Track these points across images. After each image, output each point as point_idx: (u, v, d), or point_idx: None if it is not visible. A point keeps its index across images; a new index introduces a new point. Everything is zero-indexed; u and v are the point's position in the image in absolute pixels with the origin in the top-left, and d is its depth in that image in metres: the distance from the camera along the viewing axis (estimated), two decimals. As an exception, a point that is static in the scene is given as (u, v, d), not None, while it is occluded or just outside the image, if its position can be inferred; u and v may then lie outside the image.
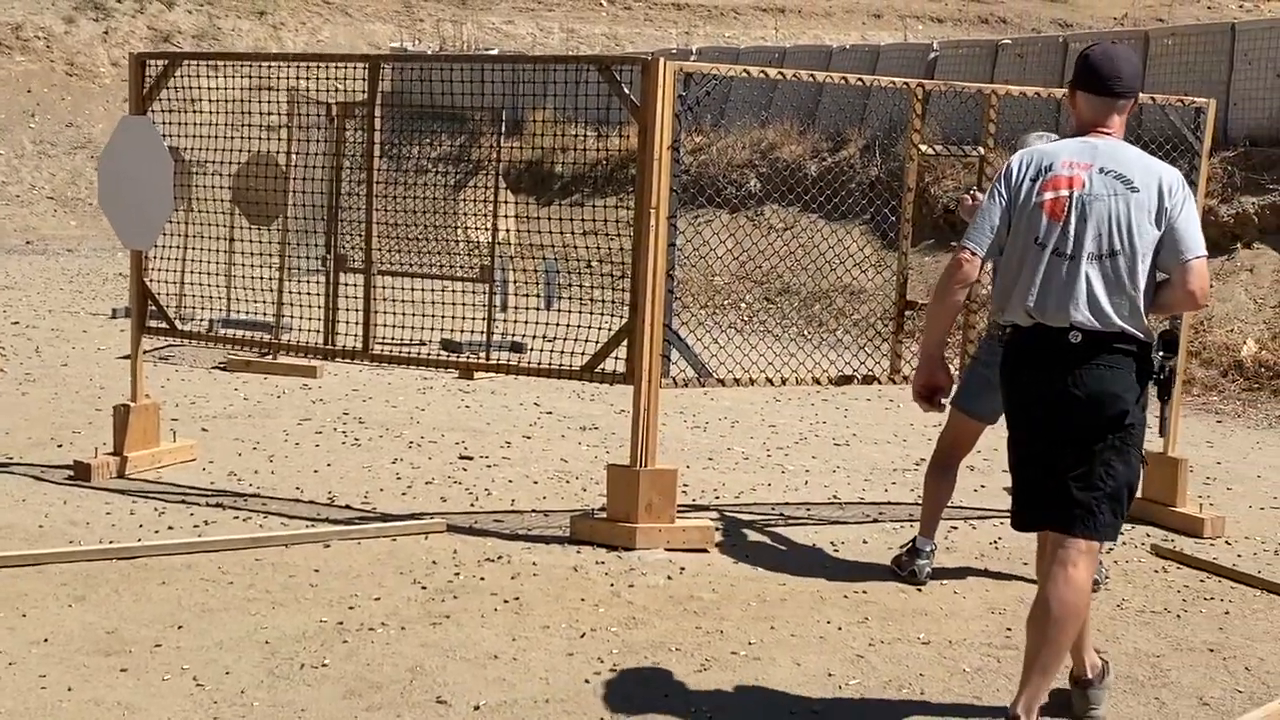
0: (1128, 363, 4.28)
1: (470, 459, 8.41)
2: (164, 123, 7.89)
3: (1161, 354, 4.36)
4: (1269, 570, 6.61)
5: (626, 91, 6.64)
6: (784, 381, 7.30)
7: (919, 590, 6.11)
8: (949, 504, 6.59)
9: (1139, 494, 7.62)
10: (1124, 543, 7.01)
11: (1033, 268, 4.32)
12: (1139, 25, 25.80)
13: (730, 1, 34.17)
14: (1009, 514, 4.66)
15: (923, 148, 7.44)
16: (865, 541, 6.92)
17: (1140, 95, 8.02)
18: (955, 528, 7.17)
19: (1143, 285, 4.28)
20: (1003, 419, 6.15)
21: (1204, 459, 9.16)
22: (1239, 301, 12.94)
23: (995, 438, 9.18)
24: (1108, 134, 4.46)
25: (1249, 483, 8.68)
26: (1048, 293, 4.29)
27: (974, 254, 4.41)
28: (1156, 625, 5.75)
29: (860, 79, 7.57)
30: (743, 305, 16.09)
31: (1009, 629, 5.60)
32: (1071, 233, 4.28)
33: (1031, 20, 32.89)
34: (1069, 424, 4.29)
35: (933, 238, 16.01)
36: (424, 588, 5.81)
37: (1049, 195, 4.32)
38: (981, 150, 7.47)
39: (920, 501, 6.53)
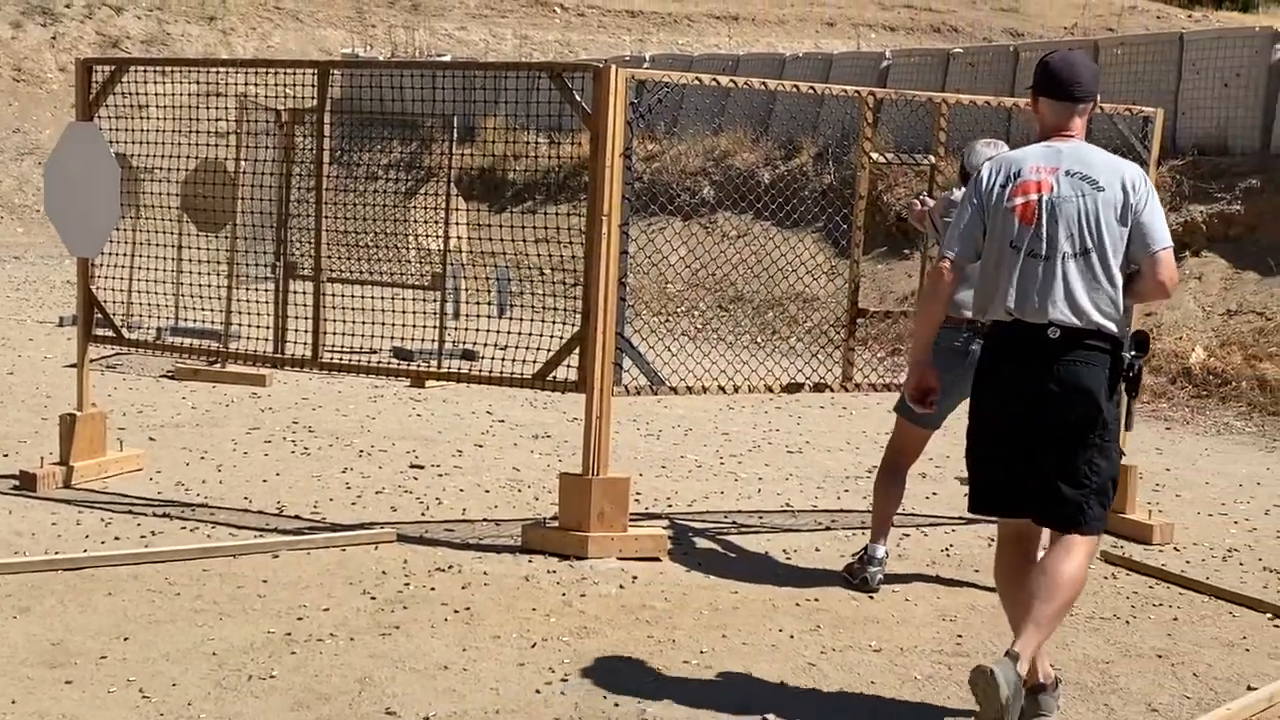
0: (1103, 359, 4.47)
1: (421, 468, 8.36)
2: (111, 129, 7.82)
3: (1134, 352, 4.54)
4: (1217, 577, 6.66)
5: (579, 99, 6.62)
6: (737, 389, 7.30)
7: (871, 598, 6.12)
8: (901, 511, 6.61)
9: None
10: (1074, 549, 7.04)
11: (1009, 269, 4.52)
12: (1089, 35, 25.98)
13: (684, 9, 34.20)
14: (967, 499, 4.80)
15: (874, 156, 7.46)
16: (818, 549, 6.92)
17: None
18: (907, 535, 7.18)
19: (1119, 280, 4.48)
20: (947, 424, 6.19)
21: (1153, 466, 9.22)
22: (1187, 309, 13.04)
23: (946, 445, 9.21)
24: (1070, 137, 4.65)
25: (1197, 489, 8.74)
26: (1026, 292, 4.49)
27: (953, 262, 4.65)
28: (1105, 631, 5.78)
29: (813, 87, 7.58)
30: (696, 313, 16.10)
31: (960, 636, 5.62)
32: (1044, 234, 4.48)
33: (983, 29, 33.07)
34: (1048, 418, 4.47)
35: (885, 245, 16.07)
36: (373, 598, 5.77)
37: (1019, 200, 4.53)
38: (933, 158, 7.50)
39: (871, 509, 6.54)
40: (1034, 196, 4.51)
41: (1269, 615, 6.07)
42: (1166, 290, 4.57)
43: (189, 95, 8.49)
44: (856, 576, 6.25)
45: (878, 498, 6.36)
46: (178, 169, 8.69)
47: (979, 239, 4.62)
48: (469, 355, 11.74)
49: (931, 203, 6.67)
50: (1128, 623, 5.92)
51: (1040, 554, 4.68)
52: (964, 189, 6.28)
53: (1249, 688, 5.10)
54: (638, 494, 7.54)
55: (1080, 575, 4.48)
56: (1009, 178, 4.57)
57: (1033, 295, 4.47)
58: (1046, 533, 4.71)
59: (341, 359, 7.81)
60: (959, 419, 7.03)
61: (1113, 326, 4.47)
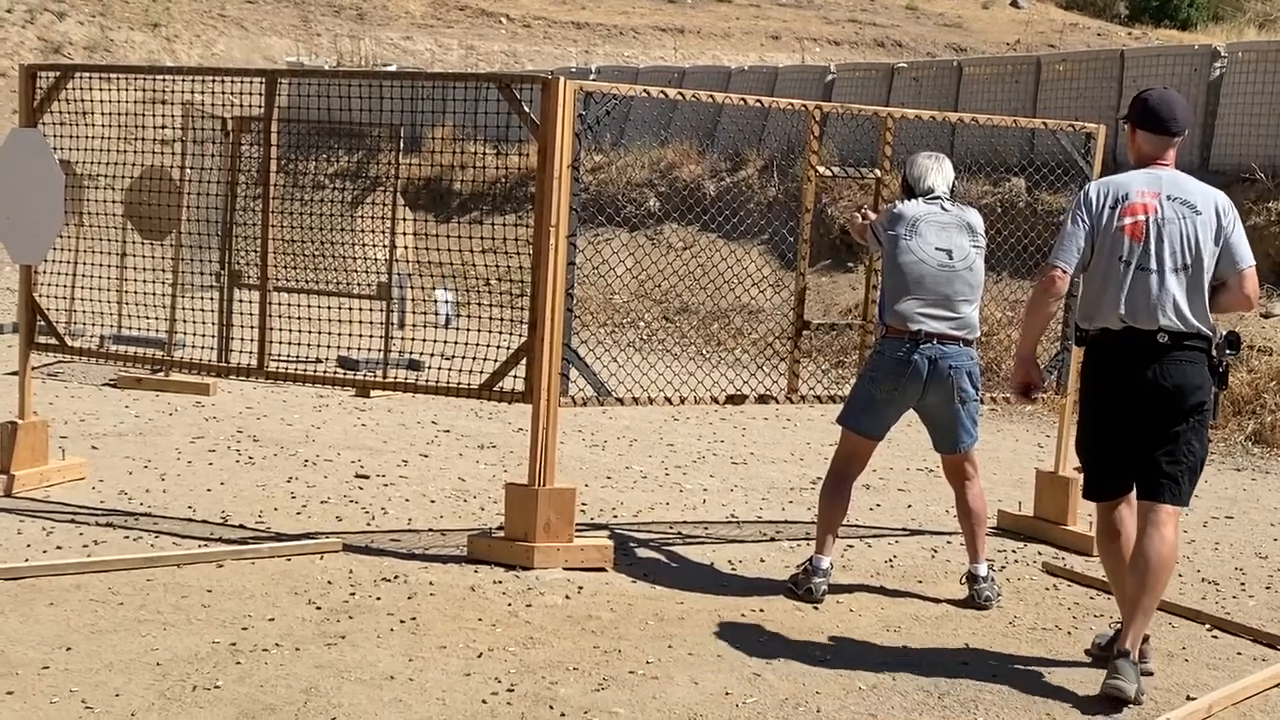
0: (1202, 358, 5.08)
1: (366, 478, 8.34)
2: (55, 135, 7.76)
3: (1229, 351, 5.14)
4: (1156, 587, 6.73)
5: (526, 110, 6.64)
6: (682, 400, 7.32)
7: (815, 608, 6.15)
8: (845, 522, 6.65)
9: (1031, 513, 7.77)
10: (1016, 561, 7.12)
11: (1119, 282, 5.10)
12: (1031, 51, 26.24)
13: (630, 21, 34.28)
14: (1083, 488, 5.44)
15: (820, 169, 7.50)
16: (762, 560, 6.95)
17: (1033, 120, 8.18)
18: (851, 546, 7.23)
19: (1207, 292, 5.10)
20: (891, 436, 6.24)
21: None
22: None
23: (890, 456, 9.28)
24: (1166, 165, 5.25)
25: (1137, 501, 8.82)
26: (1136, 301, 5.07)
27: (1065, 271, 5.20)
28: (1047, 641, 5.84)
29: (759, 100, 7.63)
30: (642, 324, 16.13)
31: (904, 646, 5.66)
32: (1152, 251, 5.08)
33: (926, 44, 33.34)
34: (1157, 409, 5.06)
35: (830, 258, 16.15)
36: (319, 608, 5.75)
37: (1128, 220, 5.12)
38: (878, 172, 7.55)
39: (816, 520, 6.58)
40: (1142, 218, 5.10)
41: (1207, 626, 6.15)
42: (1252, 302, 5.21)
43: (134, 102, 8.44)
44: (801, 587, 6.28)
45: (823, 509, 6.39)
46: (122, 176, 8.63)
47: (1087, 253, 5.16)
48: (415, 365, 11.71)
49: (874, 216, 6.72)
50: (1069, 633, 5.98)
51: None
52: (897, 204, 6.34)
53: (1188, 697, 5.16)
54: (583, 504, 7.55)
55: (1174, 551, 5.11)
56: (1118, 200, 5.14)
57: (1144, 305, 5.05)
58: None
59: (287, 368, 7.77)
60: (901, 430, 7.09)
61: (1208, 330, 5.07)
